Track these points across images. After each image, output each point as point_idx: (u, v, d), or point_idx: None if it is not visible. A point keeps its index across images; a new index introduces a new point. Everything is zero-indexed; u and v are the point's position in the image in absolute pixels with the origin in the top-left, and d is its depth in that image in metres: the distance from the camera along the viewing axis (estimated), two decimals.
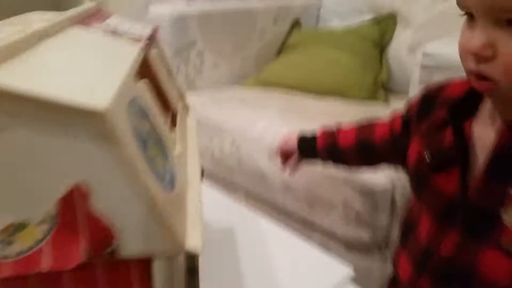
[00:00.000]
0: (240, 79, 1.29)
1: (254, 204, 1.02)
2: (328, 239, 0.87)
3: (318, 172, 0.82)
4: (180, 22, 1.10)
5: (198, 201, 0.27)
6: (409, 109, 0.55)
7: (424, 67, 0.70)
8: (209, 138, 1.03)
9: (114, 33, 0.34)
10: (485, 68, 0.37)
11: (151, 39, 0.37)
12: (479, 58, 0.37)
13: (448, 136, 0.44)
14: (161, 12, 1.08)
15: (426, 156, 0.46)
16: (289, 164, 0.71)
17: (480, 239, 0.40)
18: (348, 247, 0.84)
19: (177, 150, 0.30)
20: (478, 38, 0.36)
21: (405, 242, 0.49)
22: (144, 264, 0.24)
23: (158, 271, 0.24)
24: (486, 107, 0.44)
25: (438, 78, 0.60)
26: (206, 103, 1.07)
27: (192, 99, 1.16)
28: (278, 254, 0.47)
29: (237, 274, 0.43)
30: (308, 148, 0.66)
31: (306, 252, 0.48)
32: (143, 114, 0.25)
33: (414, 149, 0.49)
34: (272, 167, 0.91)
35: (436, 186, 0.45)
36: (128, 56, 0.28)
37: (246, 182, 0.99)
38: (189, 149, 0.35)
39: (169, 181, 0.25)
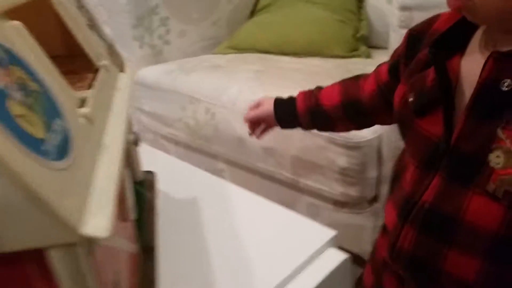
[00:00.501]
0: (213, 47, 1.20)
1: (236, 172, 0.97)
2: (316, 199, 0.83)
3: (298, 132, 0.76)
4: None
5: (112, 173, 0.21)
6: (395, 53, 0.49)
7: (403, 8, 0.63)
8: (182, 108, 0.96)
9: None
10: None
11: None
12: None
13: (431, 74, 0.40)
14: None
15: (409, 99, 0.41)
16: (259, 130, 0.64)
17: (465, 185, 0.37)
18: (337, 206, 0.80)
19: (83, 111, 0.23)
20: None
21: (392, 190, 0.46)
22: (41, 257, 0.18)
23: (58, 263, 0.18)
24: (476, 40, 0.39)
25: (419, 19, 0.54)
26: (174, 72, 0.99)
27: (158, 68, 1.09)
28: (256, 222, 0.42)
29: (204, 247, 0.37)
30: (286, 112, 0.58)
31: (287, 218, 0.44)
32: (3, 60, 0.18)
33: (399, 92, 0.45)
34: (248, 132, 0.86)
35: (420, 130, 0.41)
36: None
37: (225, 150, 0.93)
38: (112, 112, 0.28)
39: (57, 147, 0.18)
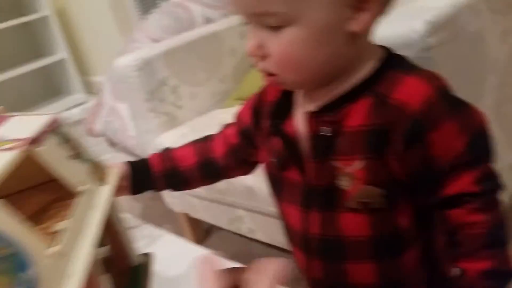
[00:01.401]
0: (223, 100, 1.30)
1: (255, 216, 1.04)
2: None
3: None
4: (147, 66, 1.13)
5: None
6: (242, 121, 0.58)
7: None
8: None
9: None
10: (265, 65, 0.43)
11: (39, 137, 0.40)
12: (257, 58, 0.43)
13: (277, 141, 0.50)
14: (125, 63, 1.12)
15: (272, 160, 0.52)
16: None
17: (334, 210, 0.46)
18: None
19: (54, 251, 0.31)
20: (250, 41, 0.42)
21: (289, 238, 0.54)
22: None
23: None
24: (297, 101, 0.49)
25: None
26: (187, 135, 1.10)
27: (173, 134, 1.19)
28: None
29: None
30: (141, 179, 0.57)
31: None
32: None
33: (263, 156, 0.55)
34: (257, 181, 0.92)
35: (288, 181, 0.51)
36: None
37: (240, 200, 1.01)
38: (85, 235, 0.36)
39: None
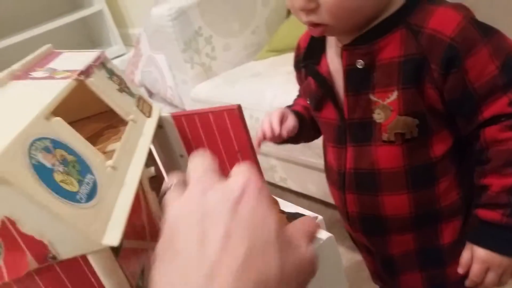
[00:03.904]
0: (256, 52, 1.30)
1: (286, 165, 1.07)
2: None
3: None
4: (181, 16, 1.14)
5: (127, 203, 0.33)
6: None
7: None
8: None
9: (50, 76, 0.40)
10: (314, 18, 0.45)
11: (88, 69, 0.43)
12: (307, 11, 0.44)
13: (311, 80, 0.53)
14: (160, 12, 1.14)
15: (308, 102, 0.56)
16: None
17: (369, 144, 0.49)
18: None
19: (109, 163, 0.35)
20: None
21: (327, 175, 0.58)
22: (86, 259, 0.31)
23: (95, 263, 0.30)
24: (330, 42, 0.52)
25: None
26: (220, 86, 1.12)
27: (207, 85, 1.23)
28: None
29: None
30: (304, 124, 0.61)
31: (284, 207, 0.51)
32: (51, 148, 0.30)
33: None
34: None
35: (324, 121, 0.54)
36: (46, 98, 0.34)
37: (272, 148, 1.03)
38: (135, 155, 0.40)
39: (87, 194, 0.31)
